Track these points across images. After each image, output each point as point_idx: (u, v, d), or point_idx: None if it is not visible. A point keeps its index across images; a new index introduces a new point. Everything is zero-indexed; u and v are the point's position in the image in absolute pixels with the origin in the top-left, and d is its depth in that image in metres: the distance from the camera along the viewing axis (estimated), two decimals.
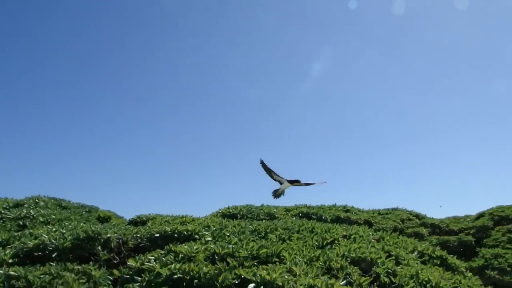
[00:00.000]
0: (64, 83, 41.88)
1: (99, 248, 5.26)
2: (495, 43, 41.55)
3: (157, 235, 5.60)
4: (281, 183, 5.24)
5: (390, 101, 45.05)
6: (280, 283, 3.64)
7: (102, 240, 5.36)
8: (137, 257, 4.59)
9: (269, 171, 5.14)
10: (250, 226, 5.90)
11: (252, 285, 3.71)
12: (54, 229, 5.92)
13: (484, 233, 15.97)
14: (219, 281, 3.78)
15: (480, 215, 17.35)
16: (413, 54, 43.59)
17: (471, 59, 43.47)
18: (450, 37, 41.79)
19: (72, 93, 42.49)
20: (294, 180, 5.20)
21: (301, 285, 3.53)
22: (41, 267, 4.40)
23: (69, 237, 5.28)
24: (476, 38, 41.53)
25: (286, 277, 3.76)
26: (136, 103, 44.69)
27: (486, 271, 13.65)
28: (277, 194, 5.40)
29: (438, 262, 5.36)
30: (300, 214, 11.29)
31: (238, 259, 4.36)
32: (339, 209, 13.38)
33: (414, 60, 43.79)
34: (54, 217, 8.95)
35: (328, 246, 5.01)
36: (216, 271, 3.94)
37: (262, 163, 5.07)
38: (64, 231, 5.61)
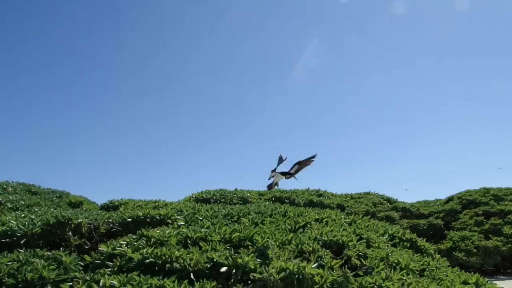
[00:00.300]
0: (33, 68, 40.97)
1: (70, 233, 5.19)
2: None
3: (129, 219, 5.54)
4: (274, 176, 5.18)
5: (361, 89, 45.68)
6: (252, 266, 3.65)
7: (73, 225, 5.28)
8: (108, 242, 4.54)
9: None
10: (223, 210, 5.90)
11: (224, 268, 3.71)
12: (23, 215, 5.80)
13: (452, 217, 16.39)
14: (191, 265, 3.78)
15: (449, 199, 17.78)
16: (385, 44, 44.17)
17: (437, 45, 44.09)
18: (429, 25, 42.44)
19: (42, 78, 41.63)
20: (286, 172, 5.15)
21: (273, 268, 3.55)
22: (9, 254, 4.31)
23: (39, 223, 5.18)
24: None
25: (258, 260, 3.78)
26: (106, 88, 44.06)
27: (453, 253, 14.03)
28: (271, 186, 5.39)
29: (408, 245, 5.45)
30: (273, 199, 11.34)
31: (210, 243, 4.36)
32: (312, 193, 13.48)
33: (387, 49, 44.35)
34: (23, 203, 8.79)
35: (301, 230, 5.05)
36: (188, 255, 3.93)
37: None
38: (33, 217, 5.50)
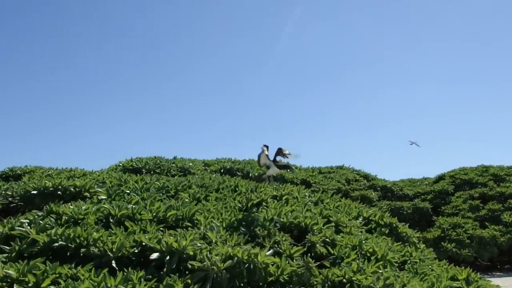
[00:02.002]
0: None
1: None
2: None
3: (35, 192, 5.47)
4: (268, 167, 5.16)
5: (343, 56, 46.63)
6: (191, 253, 3.66)
7: None
8: (5, 221, 4.46)
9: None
10: (157, 183, 5.89)
11: (155, 254, 3.71)
12: None
13: (442, 199, 16.71)
14: (114, 249, 3.75)
15: (440, 178, 18.11)
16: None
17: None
18: None
19: None
20: (285, 165, 5.16)
21: (217, 255, 3.57)
22: None
23: None
24: None
25: (199, 245, 3.79)
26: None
27: (442, 243, 14.43)
28: (259, 180, 5.40)
29: (387, 231, 5.59)
30: (222, 170, 11.37)
31: (139, 222, 4.35)
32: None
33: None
34: None
35: (254, 209, 5.09)
36: (110, 238, 3.90)
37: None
38: None
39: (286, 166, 5.38)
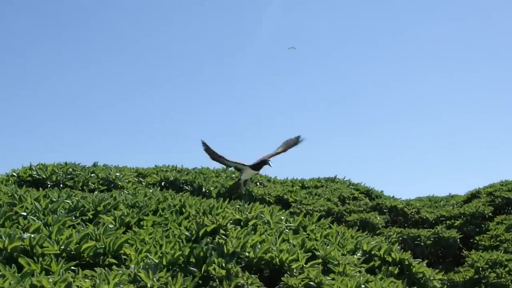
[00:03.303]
0: None
1: None
2: None
3: None
4: (240, 171, 5.37)
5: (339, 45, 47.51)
6: None
7: None
8: None
9: (218, 157, 5.76)
10: (67, 201, 5.85)
11: None
12: None
13: (477, 226, 16.74)
14: None
15: (473, 196, 18.15)
16: None
17: None
18: None
19: None
20: (261, 162, 5.44)
21: None
22: None
23: None
24: None
25: None
26: None
27: (476, 287, 14.56)
28: (235, 187, 5.56)
29: (396, 271, 5.62)
30: (164, 183, 11.32)
31: (40, 259, 4.30)
32: (234, 176, 13.58)
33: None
34: None
35: (208, 239, 5.08)
36: None
37: (205, 146, 5.49)
38: None
39: (263, 162, 5.63)
